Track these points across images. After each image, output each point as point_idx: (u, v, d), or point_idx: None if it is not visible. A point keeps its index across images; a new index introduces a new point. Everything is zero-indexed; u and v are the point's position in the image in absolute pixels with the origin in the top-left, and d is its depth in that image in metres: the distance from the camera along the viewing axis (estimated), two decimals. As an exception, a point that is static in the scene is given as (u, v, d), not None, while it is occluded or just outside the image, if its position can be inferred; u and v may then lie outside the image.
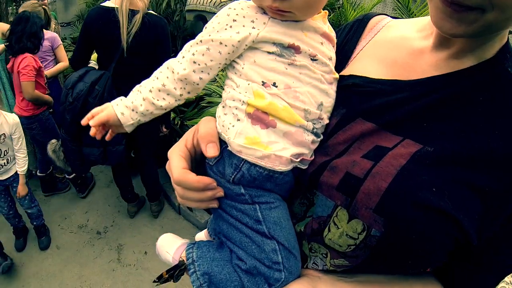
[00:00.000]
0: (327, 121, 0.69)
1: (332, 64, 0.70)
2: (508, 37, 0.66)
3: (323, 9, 0.70)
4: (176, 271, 0.75)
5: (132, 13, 2.56)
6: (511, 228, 0.60)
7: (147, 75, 2.32)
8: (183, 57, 0.68)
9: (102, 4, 2.69)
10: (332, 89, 0.70)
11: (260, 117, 0.62)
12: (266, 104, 0.62)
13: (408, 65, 0.70)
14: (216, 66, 0.67)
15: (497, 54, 0.64)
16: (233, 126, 0.64)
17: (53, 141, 3.28)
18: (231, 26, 0.64)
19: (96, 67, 2.95)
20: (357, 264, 0.65)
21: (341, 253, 0.65)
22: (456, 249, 0.60)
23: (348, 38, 0.84)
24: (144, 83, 0.72)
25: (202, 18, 4.15)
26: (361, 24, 0.84)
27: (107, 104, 0.74)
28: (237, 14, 0.64)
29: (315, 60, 0.65)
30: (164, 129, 3.16)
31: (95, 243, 3.44)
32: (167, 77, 0.68)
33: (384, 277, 0.70)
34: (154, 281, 0.76)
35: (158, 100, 0.70)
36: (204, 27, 0.68)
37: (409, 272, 0.69)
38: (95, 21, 2.62)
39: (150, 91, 0.70)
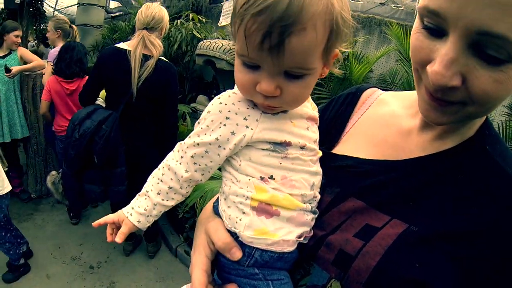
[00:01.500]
0: (319, 197, 0.75)
1: (316, 146, 0.75)
2: (487, 117, 0.73)
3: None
4: None
5: (145, 58, 2.63)
6: (490, 285, 0.63)
7: (153, 118, 2.42)
8: (182, 157, 0.72)
9: (117, 45, 2.75)
10: (318, 167, 0.75)
11: (265, 209, 0.67)
12: (268, 197, 0.67)
13: (397, 145, 0.77)
14: (216, 165, 0.72)
15: (477, 133, 0.70)
16: (240, 219, 0.69)
17: (53, 173, 3.32)
18: (225, 125, 0.67)
19: (103, 104, 3.02)
20: None
21: None
22: None
23: (341, 111, 0.90)
24: (149, 186, 0.76)
25: (211, 63, 4.28)
26: (354, 97, 0.90)
27: (119, 214, 0.77)
28: (229, 111, 0.67)
29: (304, 148, 0.71)
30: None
31: (87, 277, 3.41)
32: (171, 179, 0.72)
33: None
34: None
35: (167, 200, 0.75)
36: (197, 122, 0.71)
37: None
38: (108, 61, 2.68)
39: (158, 194, 0.74)
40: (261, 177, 0.68)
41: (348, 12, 0.63)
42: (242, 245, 0.70)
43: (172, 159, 0.74)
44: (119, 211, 0.78)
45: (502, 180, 0.65)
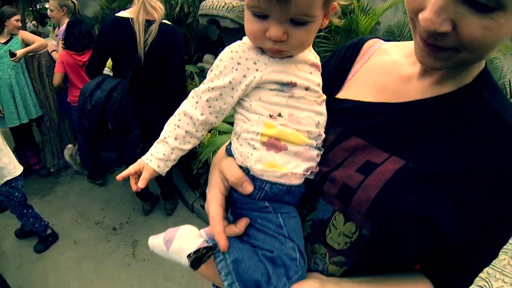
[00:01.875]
0: (323, 135, 0.80)
1: (320, 89, 0.80)
2: (486, 62, 0.75)
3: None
4: (204, 254, 0.76)
5: (148, 23, 2.63)
6: (489, 230, 0.69)
7: (161, 82, 2.44)
8: (197, 102, 0.77)
9: (117, 14, 2.76)
10: (323, 108, 0.80)
11: (274, 144, 0.73)
12: (277, 132, 0.72)
13: (397, 90, 0.80)
14: (229, 107, 0.77)
15: (475, 80, 0.73)
16: (251, 154, 0.74)
17: (69, 146, 3.44)
18: (236, 69, 0.73)
19: (111, 74, 3.06)
20: (353, 260, 0.76)
21: (339, 251, 0.76)
22: (440, 248, 0.71)
23: (344, 60, 0.94)
24: (167, 133, 0.80)
25: (215, 22, 4.25)
26: (356, 47, 0.94)
27: (140, 162, 0.81)
28: (240, 57, 0.73)
29: (308, 89, 0.76)
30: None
31: (111, 238, 3.58)
32: (188, 124, 0.77)
33: (379, 277, 0.80)
34: (189, 256, 0.76)
35: (184, 144, 0.79)
36: (210, 70, 0.77)
37: (398, 268, 0.79)
38: (110, 31, 2.70)
39: (176, 139, 0.78)
40: (270, 115, 0.73)
41: None
42: (253, 179, 0.74)
43: (187, 105, 0.78)
44: (139, 160, 0.81)
45: (501, 127, 0.68)
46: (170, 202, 3.81)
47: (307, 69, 0.77)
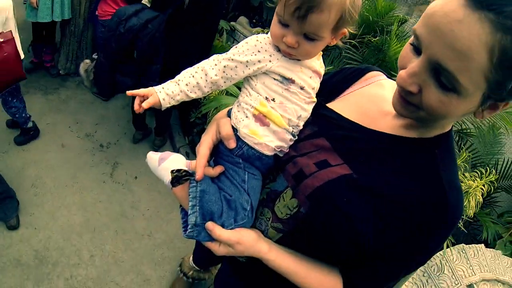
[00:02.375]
0: (301, 127, 1.00)
1: (313, 92, 1.00)
2: (451, 130, 0.93)
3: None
4: (183, 176, 0.99)
5: None
6: (397, 244, 0.89)
7: (195, 27, 2.59)
8: (216, 65, 0.94)
9: None
10: (309, 107, 1.00)
11: (261, 118, 0.94)
12: (266, 111, 0.94)
13: (374, 119, 0.98)
14: (238, 78, 0.96)
15: (434, 138, 0.91)
16: (242, 120, 0.96)
17: (87, 61, 3.53)
18: (255, 54, 0.92)
19: (148, 5, 3.13)
20: (288, 229, 0.99)
21: (280, 218, 1.00)
22: (354, 249, 0.91)
23: (346, 79, 1.12)
24: (181, 77, 0.96)
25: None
26: (360, 72, 1.11)
27: (151, 89, 0.96)
28: (261, 47, 0.92)
29: (303, 89, 0.95)
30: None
31: (96, 153, 3.77)
32: (201, 78, 0.95)
33: (302, 255, 1.03)
34: (172, 171, 0.99)
35: (191, 93, 0.97)
36: (235, 47, 0.95)
37: (320, 249, 1.00)
38: None
39: (187, 85, 0.95)
40: (266, 97, 0.94)
41: (356, 9, 0.85)
42: (237, 139, 0.96)
43: (207, 63, 0.96)
44: (150, 88, 0.96)
45: (435, 179, 0.86)
46: (160, 139, 3.98)
47: (308, 73, 0.96)
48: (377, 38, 3.45)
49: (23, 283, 2.62)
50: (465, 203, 2.65)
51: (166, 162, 1.05)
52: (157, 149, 4.01)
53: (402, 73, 0.78)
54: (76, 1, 4.32)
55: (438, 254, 2.53)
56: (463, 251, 2.63)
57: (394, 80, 1.09)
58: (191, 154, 3.91)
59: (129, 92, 0.96)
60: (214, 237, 0.95)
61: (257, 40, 0.94)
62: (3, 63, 2.35)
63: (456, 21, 0.65)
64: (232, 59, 0.93)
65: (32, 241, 2.88)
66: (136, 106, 0.96)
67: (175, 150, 4.07)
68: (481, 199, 2.74)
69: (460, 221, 2.65)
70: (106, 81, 3.10)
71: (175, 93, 0.96)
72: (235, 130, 0.97)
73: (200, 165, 0.96)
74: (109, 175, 3.58)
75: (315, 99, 1.02)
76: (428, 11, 0.72)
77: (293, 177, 0.97)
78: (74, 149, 3.75)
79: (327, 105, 1.07)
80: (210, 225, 0.95)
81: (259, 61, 0.92)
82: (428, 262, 2.51)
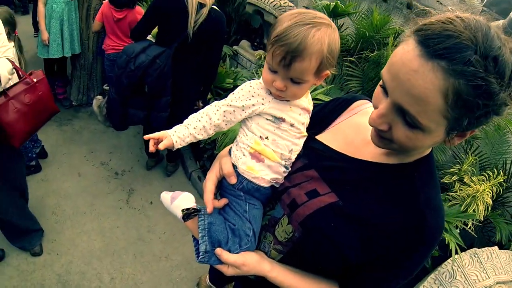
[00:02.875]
0: (293, 159, 1.10)
1: (303, 127, 1.10)
2: (432, 150, 1.01)
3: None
4: (192, 212, 1.11)
5: (200, 5, 2.89)
6: (384, 263, 0.98)
7: (199, 58, 2.81)
8: (217, 110, 1.06)
9: None
10: (300, 142, 1.11)
11: (256, 155, 1.06)
12: (261, 149, 1.05)
13: (358, 148, 1.06)
14: (237, 121, 1.07)
15: (414, 162, 0.99)
16: (240, 158, 1.08)
17: (99, 97, 3.69)
18: (250, 99, 1.03)
19: (152, 40, 3.29)
20: (287, 251, 1.10)
21: (279, 241, 1.11)
22: (347, 267, 1.01)
23: (335, 109, 1.21)
24: (190, 121, 1.08)
25: (260, 13, 4.50)
26: (347, 103, 1.20)
27: (164, 133, 1.06)
28: (254, 92, 1.04)
29: (293, 126, 1.06)
30: (201, 104, 3.53)
31: (111, 181, 3.91)
32: (206, 121, 1.06)
33: (303, 272, 1.11)
34: (183, 210, 1.11)
35: (198, 135, 1.08)
36: (232, 93, 1.07)
37: (316, 267, 1.09)
38: (166, 4, 2.93)
39: (194, 128, 1.06)
40: (260, 136, 1.05)
41: (333, 55, 0.95)
42: (238, 175, 1.09)
43: (210, 109, 1.07)
44: (164, 131, 1.07)
45: (414, 202, 0.92)
46: (172, 165, 4.12)
47: (297, 111, 1.07)
48: (375, 52, 3.51)
49: (47, 308, 2.71)
50: (473, 208, 2.68)
51: (177, 201, 1.17)
52: (169, 174, 4.16)
53: (372, 114, 0.87)
54: (85, 36, 4.55)
55: (449, 260, 2.54)
56: (476, 255, 2.62)
57: None
58: (202, 177, 4.01)
59: (146, 137, 1.06)
60: (222, 261, 1.07)
61: (251, 86, 1.05)
62: (39, 102, 2.43)
63: (412, 71, 0.73)
64: (230, 105, 1.05)
65: (54, 266, 3.00)
66: (151, 148, 1.06)
67: (187, 174, 4.20)
68: (490, 202, 2.75)
69: (471, 225, 2.67)
70: (119, 115, 3.24)
71: (185, 135, 1.07)
72: (235, 167, 1.10)
73: (208, 200, 1.09)
74: (125, 202, 3.71)
75: (306, 134, 1.12)
76: (391, 58, 0.80)
77: (288, 206, 1.07)
78: (90, 178, 3.89)
79: (316, 137, 1.16)
80: (218, 251, 1.07)
81: (253, 105, 1.03)
82: (439, 269, 2.53)
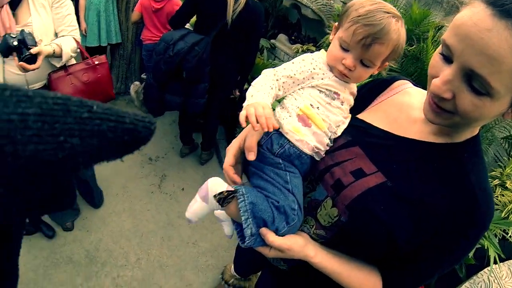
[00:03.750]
0: (338, 135, 1.07)
1: (348, 108, 1.11)
2: (479, 131, 0.96)
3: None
4: (227, 196, 1.01)
5: None
6: (431, 247, 0.94)
7: (238, 46, 2.85)
8: (277, 80, 1.03)
9: None
10: (347, 121, 1.09)
11: (304, 119, 1.03)
12: (310, 113, 1.02)
13: (403, 126, 1.03)
14: (293, 90, 1.07)
15: (464, 142, 0.95)
16: (286, 118, 1.04)
17: (137, 83, 3.77)
18: (311, 71, 1.04)
19: (191, 28, 3.35)
20: (330, 236, 1.04)
21: (322, 226, 1.05)
22: (392, 251, 0.96)
23: (374, 89, 1.18)
24: (264, 89, 1.01)
25: (297, 7, 4.47)
26: (386, 83, 1.17)
27: (264, 107, 0.96)
28: (316, 65, 1.04)
29: (342, 104, 1.07)
30: (237, 93, 3.56)
31: (145, 166, 3.99)
32: (271, 89, 1.01)
33: (347, 256, 1.07)
34: (214, 196, 1.01)
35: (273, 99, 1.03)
36: (292, 62, 1.06)
37: (360, 253, 1.05)
38: None
39: (270, 92, 1.02)
40: (311, 104, 1.03)
41: (402, 47, 0.99)
42: (279, 138, 1.03)
43: (269, 81, 1.03)
44: (255, 103, 0.95)
45: (464, 183, 0.90)
46: (206, 153, 4.14)
47: (348, 92, 1.08)
48: (414, 46, 3.43)
49: (73, 279, 2.80)
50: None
51: (210, 199, 1.05)
52: (203, 162, 4.18)
53: (435, 81, 0.82)
54: (124, 27, 4.69)
55: (485, 270, 2.40)
56: (514, 267, 2.49)
57: (420, 87, 1.15)
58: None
59: (241, 120, 0.99)
60: (267, 243, 1.00)
61: (313, 59, 1.05)
62: (97, 84, 2.54)
63: (486, 30, 0.70)
64: (291, 77, 1.04)
65: (84, 242, 3.09)
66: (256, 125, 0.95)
67: (221, 163, 4.19)
68: (536, 207, 2.60)
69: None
70: (156, 100, 3.31)
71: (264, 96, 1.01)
72: (275, 131, 1.02)
73: (229, 175, 1.07)
74: (157, 186, 3.76)
75: (350, 115, 1.11)
76: (456, 22, 0.77)
77: (332, 187, 1.02)
78: (125, 162, 3.87)
79: (357, 116, 1.13)
80: (264, 231, 0.99)
81: (312, 78, 1.04)
82: (474, 278, 2.39)
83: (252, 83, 1.05)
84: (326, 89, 1.03)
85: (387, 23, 0.93)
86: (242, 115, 0.93)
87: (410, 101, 1.07)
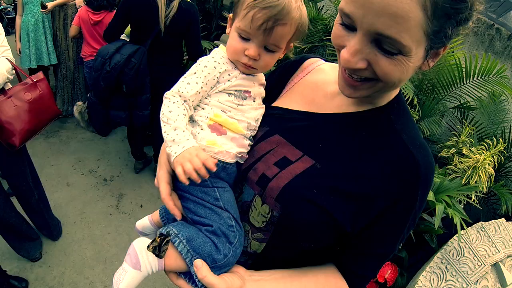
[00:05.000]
0: (256, 131, 0.99)
1: (261, 101, 1.04)
2: (400, 89, 0.92)
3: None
4: (163, 240, 0.86)
5: None
6: (382, 220, 0.86)
7: (176, 51, 2.73)
8: (186, 102, 0.91)
9: None
10: (261, 113, 1.01)
11: (217, 128, 0.93)
12: (222, 120, 0.93)
13: (321, 104, 0.97)
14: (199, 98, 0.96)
15: (387, 104, 0.90)
16: (198, 133, 0.93)
17: (79, 103, 3.63)
18: (216, 77, 0.95)
19: (127, 39, 3.23)
20: (269, 237, 0.93)
21: (258, 228, 0.94)
22: (340, 238, 0.88)
23: (285, 72, 1.12)
24: (178, 124, 0.88)
25: (237, 4, 4.41)
26: (296, 64, 1.11)
27: (187, 150, 0.86)
28: (221, 67, 0.95)
29: (255, 100, 1.00)
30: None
31: (101, 187, 3.83)
32: (185, 115, 0.90)
33: (294, 271, 0.96)
34: (148, 247, 0.85)
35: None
36: (194, 72, 0.93)
37: (304, 246, 0.94)
38: (135, 2, 2.88)
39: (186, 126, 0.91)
40: (222, 110, 0.94)
41: (305, 25, 0.95)
42: None
43: (180, 107, 0.91)
44: (178, 158, 0.85)
45: (397, 143, 0.85)
46: (159, 165, 4.00)
47: (258, 85, 1.01)
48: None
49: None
50: (475, 179, 2.56)
51: (141, 260, 0.88)
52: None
53: (344, 53, 0.76)
54: (64, 45, 4.48)
55: (454, 237, 2.41)
56: (483, 229, 2.50)
57: (330, 61, 1.09)
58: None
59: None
60: (198, 277, 0.84)
61: (215, 61, 0.96)
62: (40, 101, 2.45)
63: None
64: (199, 92, 0.93)
65: (46, 279, 2.91)
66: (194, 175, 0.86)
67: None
68: (492, 172, 2.63)
69: (475, 198, 2.54)
70: (101, 118, 3.17)
71: (190, 136, 0.90)
72: None
73: (170, 207, 0.91)
74: (115, 207, 3.62)
75: (264, 106, 1.04)
76: None
77: (257, 183, 0.93)
78: (79, 187, 3.81)
79: (273, 104, 1.06)
80: (198, 263, 0.84)
81: (218, 82, 0.96)
82: (445, 247, 2.39)
83: (162, 117, 0.91)
84: (235, 90, 0.96)
85: (287, 2, 0.88)
86: (180, 174, 0.82)
87: (325, 78, 1.02)
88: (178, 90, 0.92)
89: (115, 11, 3.91)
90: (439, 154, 2.94)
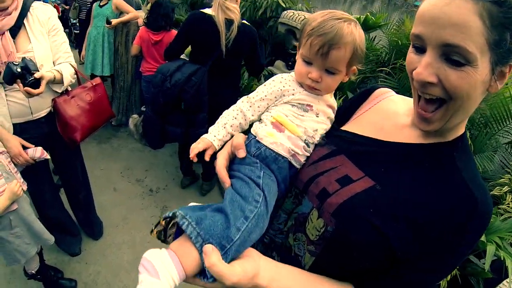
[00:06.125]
0: (316, 140, 1.06)
1: (326, 120, 1.10)
2: (465, 131, 0.94)
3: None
4: (169, 223, 0.84)
5: (228, 22, 2.94)
6: (427, 255, 0.86)
7: (236, 72, 2.85)
8: (250, 106, 1.08)
9: (202, 10, 3.07)
10: (325, 127, 1.09)
11: (277, 125, 1.03)
12: (282, 120, 1.03)
13: (390, 132, 1.00)
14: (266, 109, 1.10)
15: (452, 141, 0.92)
16: (261, 127, 1.04)
17: (135, 116, 3.78)
18: (281, 89, 1.08)
19: (186, 59, 3.35)
20: (320, 251, 0.96)
21: (312, 241, 0.98)
22: (388, 262, 0.88)
23: (355, 101, 1.18)
24: (225, 120, 1.09)
25: (292, 33, 4.53)
26: (367, 93, 1.17)
27: (206, 142, 1.06)
28: (286, 83, 1.08)
29: (318, 116, 1.08)
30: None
31: (146, 197, 3.95)
32: (242, 118, 1.08)
33: (312, 273, 0.98)
34: (151, 232, 0.84)
35: (235, 131, 1.09)
36: (263, 85, 1.10)
37: (352, 266, 0.94)
38: (196, 24, 3.00)
39: (231, 126, 1.08)
40: (285, 114, 1.05)
41: (362, 46, 1.01)
42: (256, 142, 1.02)
43: (243, 106, 1.09)
44: (203, 138, 1.07)
45: (458, 180, 0.87)
46: (207, 183, 4.10)
47: (324, 105, 1.10)
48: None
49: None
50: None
51: (158, 268, 0.81)
52: (204, 193, 4.14)
53: (417, 69, 0.83)
54: (124, 59, 4.76)
55: (504, 282, 2.29)
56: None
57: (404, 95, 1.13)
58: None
59: (192, 155, 1.06)
60: (205, 265, 0.78)
61: (282, 77, 1.10)
62: (99, 102, 2.71)
63: (445, 5, 0.77)
64: (263, 99, 1.08)
65: (82, 275, 3.00)
66: (194, 158, 1.07)
67: (222, 193, 4.09)
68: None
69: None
70: (156, 133, 3.28)
71: (224, 136, 1.08)
72: (254, 136, 1.05)
73: (223, 175, 1.00)
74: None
75: (328, 124, 1.11)
76: (419, 13, 0.83)
77: (317, 197, 0.97)
78: (125, 193, 3.95)
79: (342, 128, 1.11)
80: (208, 248, 0.78)
81: (283, 95, 1.07)
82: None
83: (224, 113, 1.11)
84: (298, 103, 1.06)
85: (339, 28, 0.98)
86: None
87: (396, 109, 1.07)
88: (248, 95, 1.10)
89: (173, 30, 4.18)
90: (491, 192, 2.81)
